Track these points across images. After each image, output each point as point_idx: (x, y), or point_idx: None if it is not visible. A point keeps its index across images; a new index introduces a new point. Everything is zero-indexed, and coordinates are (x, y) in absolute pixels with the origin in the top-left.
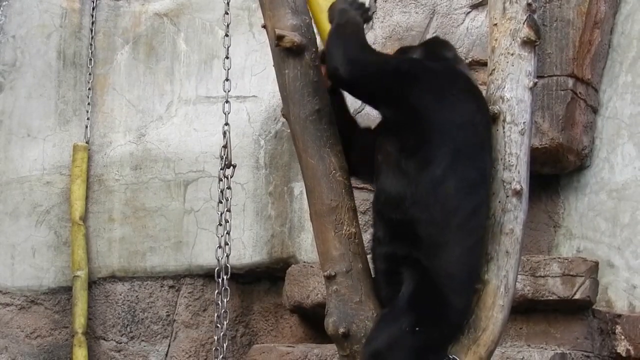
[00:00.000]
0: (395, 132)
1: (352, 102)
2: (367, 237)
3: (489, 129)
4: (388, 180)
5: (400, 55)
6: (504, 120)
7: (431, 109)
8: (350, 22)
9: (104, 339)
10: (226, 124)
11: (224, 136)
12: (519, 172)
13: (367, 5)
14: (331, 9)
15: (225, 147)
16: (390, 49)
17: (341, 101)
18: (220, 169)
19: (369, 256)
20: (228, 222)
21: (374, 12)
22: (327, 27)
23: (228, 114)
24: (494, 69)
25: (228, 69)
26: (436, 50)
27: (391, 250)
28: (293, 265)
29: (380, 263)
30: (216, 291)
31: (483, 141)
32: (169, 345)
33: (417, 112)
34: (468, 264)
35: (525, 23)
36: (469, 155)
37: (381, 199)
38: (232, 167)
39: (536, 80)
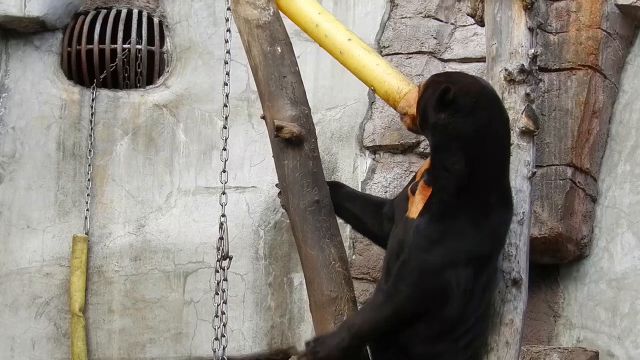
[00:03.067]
0: None
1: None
2: None
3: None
4: None
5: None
6: None
7: (449, 288)
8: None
9: None
10: (223, 215)
11: (220, 228)
12: (518, 262)
13: None
14: None
15: (221, 238)
16: (389, 139)
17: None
18: (217, 261)
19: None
20: (225, 314)
21: None
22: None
23: (225, 205)
24: None
25: (225, 161)
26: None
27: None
28: (293, 357)
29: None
30: None
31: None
32: None
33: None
34: None
35: (524, 113)
36: (475, 294)
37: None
38: (228, 259)
39: (535, 169)
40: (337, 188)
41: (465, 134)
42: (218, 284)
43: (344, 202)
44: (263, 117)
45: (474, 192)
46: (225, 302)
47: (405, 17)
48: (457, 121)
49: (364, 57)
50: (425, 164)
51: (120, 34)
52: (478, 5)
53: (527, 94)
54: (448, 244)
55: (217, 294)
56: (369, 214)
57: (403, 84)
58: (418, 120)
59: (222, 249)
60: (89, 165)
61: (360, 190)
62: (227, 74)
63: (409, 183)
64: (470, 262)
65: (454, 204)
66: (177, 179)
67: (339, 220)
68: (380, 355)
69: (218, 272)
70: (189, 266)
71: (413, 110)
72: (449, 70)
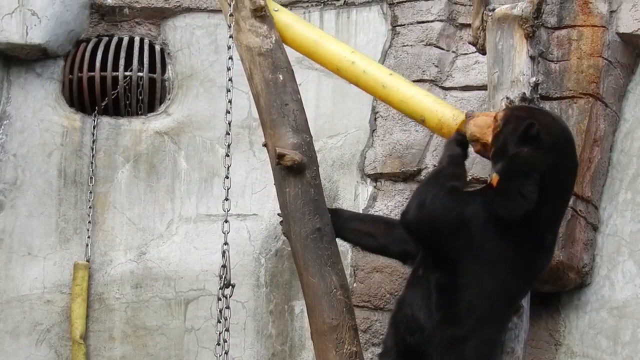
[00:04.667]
0: (434, 273)
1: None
2: (368, 355)
3: (526, 288)
4: (415, 303)
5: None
6: None
7: (470, 272)
8: (445, 171)
9: None
10: (225, 243)
11: (223, 255)
12: None
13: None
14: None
15: (224, 266)
16: (390, 167)
17: None
18: (219, 289)
19: None
20: (227, 341)
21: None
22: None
23: (227, 233)
24: None
25: (228, 189)
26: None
27: None
28: None
29: None
30: None
31: (513, 301)
32: None
33: (457, 270)
34: None
35: None
36: (494, 319)
37: (402, 312)
38: (231, 287)
39: None
40: (340, 213)
41: (543, 169)
42: (220, 311)
43: (350, 223)
44: (265, 145)
45: (533, 227)
46: (227, 330)
47: (407, 45)
48: (538, 157)
49: (410, 90)
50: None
51: (121, 62)
52: (479, 33)
53: None
54: (485, 235)
55: (220, 321)
56: (381, 229)
57: (457, 112)
58: (493, 149)
59: (225, 277)
60: (90, 192)
61: None
62: (230, 101)
63: None
64: (491, 275)
65: (511, 228)
66: (178, 206)
67: (341, 248)
68: None
69: (220, 299)
70: (190, 294)
71: (487, 137)
72: (450, 98)
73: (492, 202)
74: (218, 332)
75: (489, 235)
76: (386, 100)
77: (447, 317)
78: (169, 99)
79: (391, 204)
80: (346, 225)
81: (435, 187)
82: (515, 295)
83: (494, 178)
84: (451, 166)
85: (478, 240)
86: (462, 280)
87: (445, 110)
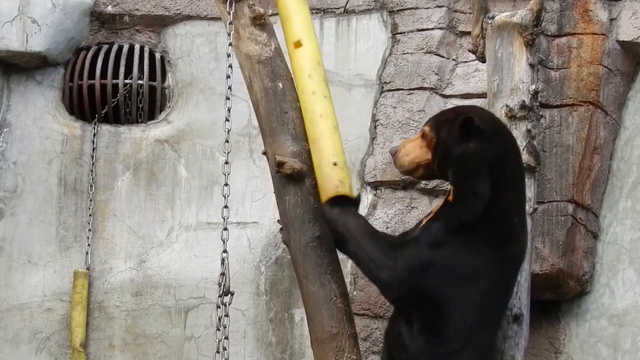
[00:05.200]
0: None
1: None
2: None
3: (513, 276)
4: (402, 325)
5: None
6: None
7: (448, 300)
8: (366, 227)
9: None
10: (224, 251)
11: (222, 263)
12: (519, 299)
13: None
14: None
15: (223, 274)
16: (390, 175)
17: None
18: (219, 296)
19: None
20: (226, 349)
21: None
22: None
23: (226, 241)
24: None
25: (227, 196)
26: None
27: None
28: None
29: None
30: None
31: (505, 294)
32: None
33: (437, 302)
34: None
35: (525, 149)
36: (488, 322)
37: (392, 329)
38: (230, 295)
39: (536, 206)
40: None
41: (492, 158)
42: (219, 319)
43: None
44: (264, 153)
45: (498, 215)
46: (227, 338)
47: (407, 53)
48: (483, 148)
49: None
50: (440, 202)
51: (121, 69)
52: (479, 41)
53: (528, 130)
54: (458, 256)
55: (219, 329)
56: None
57: (344, 188)
58: (437, 161)
59: (224, 285)
60: (91, 200)
61: None
62: (229, 110)
63: (424, 217)
64: (477, 285)
65: (477, 226)
66: (178, 214)
67: (340, 256)
68: None
69: (219, 307)
70: (190, 302)
71: (426, 156)
72: (450, 105)
73: (450, 217)
74: (217, 340)
75: (458, 250)
76: (303, 106)
77: (433, 341)
78: (169, 106)
79: (391, 211)
80: None
81: (378, 249)
82: (506, 287)
83: (451, 192)
84: (365, 221)
85: (451, 265)
86: (447, 309)
87: (339, 174)
